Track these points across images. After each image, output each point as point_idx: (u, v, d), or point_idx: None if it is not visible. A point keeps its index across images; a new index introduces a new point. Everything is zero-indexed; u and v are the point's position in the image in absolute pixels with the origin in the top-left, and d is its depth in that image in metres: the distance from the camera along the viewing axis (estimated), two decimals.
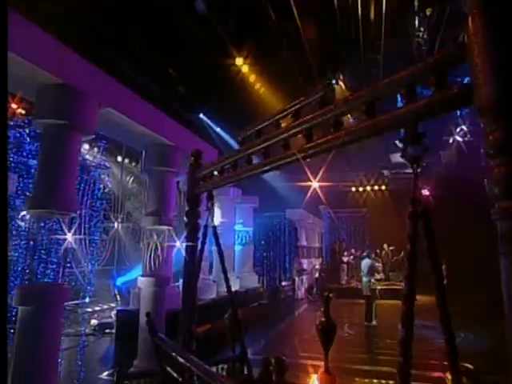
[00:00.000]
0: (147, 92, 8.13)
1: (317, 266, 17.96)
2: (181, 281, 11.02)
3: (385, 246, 18.06)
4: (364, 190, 20.78)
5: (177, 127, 7.53)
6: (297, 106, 2.59)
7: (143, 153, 7.24)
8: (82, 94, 4.92)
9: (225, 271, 3.94)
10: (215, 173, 3.49)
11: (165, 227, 7.01)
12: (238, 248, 14.86)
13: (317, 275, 17.50)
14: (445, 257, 15.77)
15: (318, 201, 19.50)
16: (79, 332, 8.57)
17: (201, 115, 12.43)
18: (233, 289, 12.15)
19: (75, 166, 4.91)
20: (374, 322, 10.76)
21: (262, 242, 17.74)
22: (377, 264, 17.64)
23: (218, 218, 13.18)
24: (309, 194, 19.07)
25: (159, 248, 6.84)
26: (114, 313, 9.90)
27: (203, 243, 3.74)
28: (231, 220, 13.69)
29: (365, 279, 11.09)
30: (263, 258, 17.66)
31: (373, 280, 10.99)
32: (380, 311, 11.40)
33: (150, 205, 7.00)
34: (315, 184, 19.21)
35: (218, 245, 3.85)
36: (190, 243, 3.71)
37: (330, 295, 7.03)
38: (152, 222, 6.80)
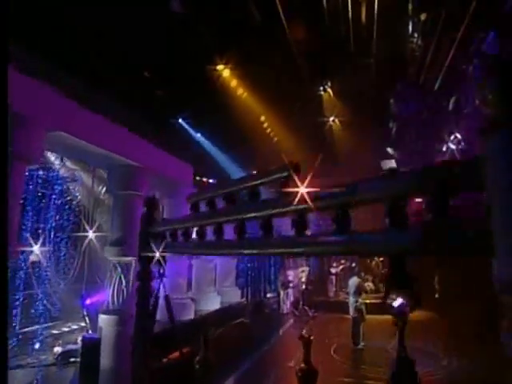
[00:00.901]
0: (116, 106, 7.63)
1: (303, 279, 17.60)
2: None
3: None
4: None
5: (146, 146, 7.03)
6: (257, 182, 2.16)
7: (107, 174, 6.75)
8: (25, 118, 4.40)
9: None
10: (168, 234, 3.03)
11: (130, 258, 6.53)
12: (219, 261, 14.44)
13: (303, 287, 17.15)
14: (437, 269, 15.78)
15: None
16: (38, 362, 8.04)
17: (180, 120, 11.92)
18: (213, 307, 11.80)
19: (18, 198, 4.41)
20: (361, 345, 10.46)
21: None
22: (366, 284, 17.54)
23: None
24: (296, 200, 18.81)
25: (123, 281, 6.36)
26: (80, 338, 9.37)
27: (154, 310, 3.29)
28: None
29: (352, 299, 10.78)
30: (247, 270, 17.29)
31: (360, 300, 10.66)
32: (369, 328, 11.15)
33: (113, 233, 6.50)
34: (302, 189, 19.05)
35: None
36: (140, 310, 3.25)
37: (311, 337, 6.67)
38: (115, 252, 6.32)
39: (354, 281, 10.99)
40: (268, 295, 16.87)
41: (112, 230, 6.59)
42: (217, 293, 13.20)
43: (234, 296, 14.35)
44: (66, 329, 11.06)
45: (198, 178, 15.89)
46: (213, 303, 12.47)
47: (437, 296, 15.65)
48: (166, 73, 10.07)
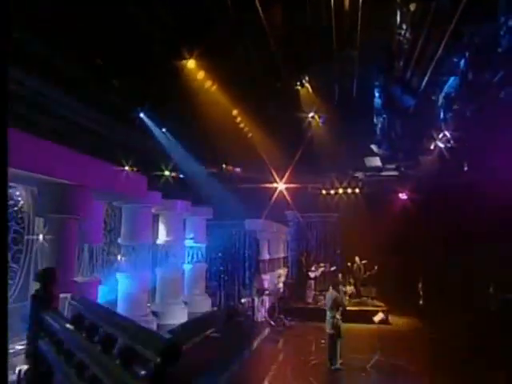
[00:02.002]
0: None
1: (280, 285, 17.24)
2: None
3: (356, 258, 17.60)
4: (336, 193, 20.20)
5: (84, 160, 6.26)
6: None
7: (37, 193, 5.99)
8: None
9: None
10: None
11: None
12: (187, 267, 13.87)
13: (280, 292, 16.81)
14: (421, 273, 15.71)
15: (284, 205, 18.79)
16: None
17: (141, 115, 11.09)
18: (179, 320, 11.22)
19: None
20: (338, 365, 10.11)
21: (219, 255, 16.83)
22: (348, 287, 17.30)
23: (162, 236, 12.10)
24: (274, 197, 18.30)
25: None
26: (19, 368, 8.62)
27: None
28: (179, 236, 12.60)
29: (328, 314, 10.37)
30: (220, 273, 16.81)
31: (337, 316, 10.25)
32: (348, 340, 10.82)
33: (45, 265, 5.80)
34: (281, 186, 18.50)
35: None
36: None
37: None
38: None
39: (331, 294, 10.58)
40: (243, 300, 16.40)
41: (43, 261, 5.88)
42: (184, 303, 12.62)
43: (205, 305, 13.83)
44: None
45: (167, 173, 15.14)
46: (179, 316, 11.90)
47: (421, 302, 15.54)
48: (124, 64, 9.23)
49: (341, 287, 17.28)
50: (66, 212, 5.81)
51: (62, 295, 5.96)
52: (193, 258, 14.06)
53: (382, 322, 11.45)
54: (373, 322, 11.14)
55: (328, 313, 10.48)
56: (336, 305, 10.38)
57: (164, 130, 11.93)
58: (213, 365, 10.00)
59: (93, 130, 8.91)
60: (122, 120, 10.46)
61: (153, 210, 11.61)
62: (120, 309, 10.01)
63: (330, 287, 11.01)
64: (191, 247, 13.99)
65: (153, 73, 9.35)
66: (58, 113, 7.36)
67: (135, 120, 10.73)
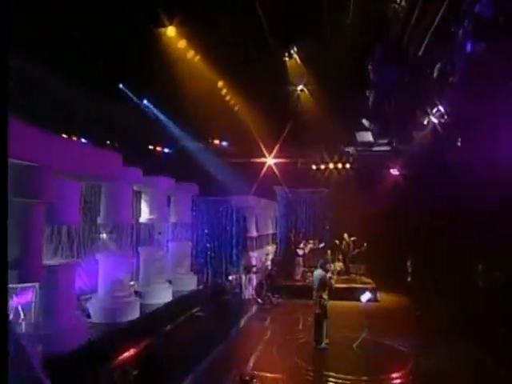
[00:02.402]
0: None
1: (267, 262, 17.25)
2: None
3: (345, 235, 17.64)
4: (326, 168, 19.96)
5: (46, 139, 5.82)
6: None
7: None
8: None
9: None
10: None
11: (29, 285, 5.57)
12: (172, 246, 13.72)
13: (268, 268, 16.84)
14: (410, 251, 15.80)
15: (273, 180, 18.63)
16: None
17: (120, 86, 10.58)
18: (164, 300, 11.14)
19: None
20: (324, 344, 10.18)
21: (206, 232, 16.71)
22: (337, 264, 17.42)
23: (145, 215, 11.84)
24: (263, 172, 18.08)
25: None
26: None
27: None
28: (163, 214, 12.34)
29: (315, 294, 10.37)
30: (206, 250, 16.76)
31: (324, 296, 10.24)
32: (334, 317, 10.93)
33: (11, 253, 5.50)
34: (270, 160, 18.23)
35: None
36: None
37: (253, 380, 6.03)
38: (11, 277, 5.34)
39: (318, 274, 10.53)
40: (230, 278, 16.40)
41: (10, 248, 5.57)
42: (169, 282, 12.53)
43: (190, 283, 13.76)
44: None
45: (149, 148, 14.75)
46: (164, 295, 11.83)
47: (409, 279, 15.69)
48: (97, 30, 8.67)
49: (329, 265, 17.58)
50: (27, 196, 5.45)
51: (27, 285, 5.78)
52: (178, 235, 13.86)
53: (369, 301, 11.51)
54: (361, 300, 11.18)
55: (314, 292, 10.48)
56: (323, 285, 10.36)
57: (146, 102, 11.46)
58: (198, 344, 10.00)
59: (65, 103, 8.46)
60: (99, 91, 9.97)
61: (134, 188, 11.36)
62: (101, 290, 9.86)
63: (318, 266, 10.94)
64: (176, 225, 13.77)
65: (128, 40, 8.82)
66: (19, 84, 6.85)
67: (113, 91, 10.23)
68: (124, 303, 9.85)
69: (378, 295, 15.22)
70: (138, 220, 11.80)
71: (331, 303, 10.65)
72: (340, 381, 8.34)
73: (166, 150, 14.73)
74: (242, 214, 16.62)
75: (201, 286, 14.67)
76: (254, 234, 16.77)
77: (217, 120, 13.68)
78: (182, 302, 12.40)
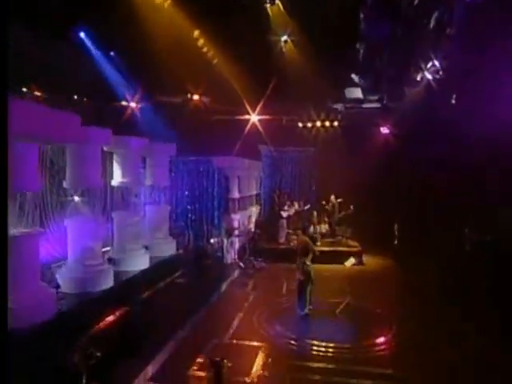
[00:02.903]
0: None
1: (251, 225, 17.06)
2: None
3: (332, 197, 17.50)
4: (313, 126, 19.49)
5: None
6: None
7: None
8: None
9: None
10: None
11: None
12: (149, 209, 13.32)
13: (251, 231, 16.66)
14: (398, 213, 15.72)
15: (257, 139, 18.15)
16: None
17: (82, 35, 9.68)
18: (140, 267, 10.84)
19: None
20: (306, 309, 10.15)
21: (186, 194, 16.32)
22: (323, 226, 17.39)
23: (117, 177, 11.33)
24: (246, 130, 17.55)
25: None
26: None
27: None
28: (137, 176, 11.84)
29: (298, 260, 10.20)
30: (187, 213, 16.43)
31: (307, 262, 10.06)
32: (318, 284, 10.73)
33: None
34: (254, 117, 17.63)
35: None
36: None
37: (225, 362, 5.78)
38: None
39: (301, 239, 10.30)
40: (212, 241, 16.25)
41: None
42: (146, 248, 12.23)
43: (169, 248, 13.48)
44: None
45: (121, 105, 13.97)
46: (140, 262, 11.56)
47: (396, 243, 15.72)
48: None
49: (314, 228, 17.59)
50: None
51: None
52: (155, 199, 13.44)
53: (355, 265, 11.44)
54: (345, 265, 11.09)
55: (298, 258, 10.31)
56: (305, 250, 10.15)
57: (113, 53, 10.61)
58: (176, 312, 9.93)
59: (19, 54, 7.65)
60: (60, 42, 9.11)
61: (105, 149, 10.79)
62: (71, 259, 9.50)
63: (300, 231, 10.71)
64: (153, 188, 13.31)
65: None
66: None
67: (75, 42, 9.38)
68: (96, 272, 9.54)
69: (363, 259, 15.28)
70: (110, 183, 11.31)
71: (315, 267, 10.57)
72: (322, 349, 8.33)
73: (141, 107, 13.93)
74: (224, 174, 16.21)
75: (181, 251, 14.44)
76: (236, 195, 16.45)
77: (195, 74, 12.92)
78: (159, 268, 12.20)
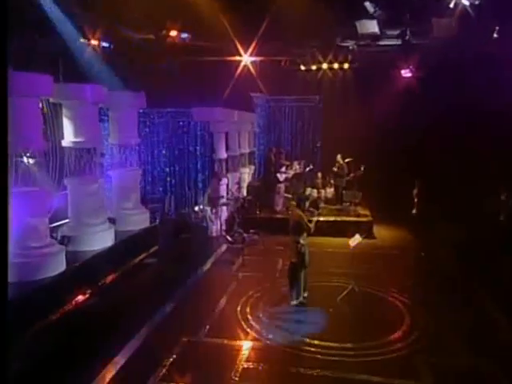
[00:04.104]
0: None
1: (242, 190, 16.39)
2: None
3: (338, 157, 16.85)
4: (318, 70, 18.35)
5: None
6: None
7: None
8: None
9: None
10: None
11: None
12: (114, 174, 12.58)
13: (241, 197, 15.93)
14: (418, 176, 15.02)
15: (251, 86, 17.45)
16: None
17: None
18: (102, 245, 10.13)
19: None
20: (301, 298, 9.41)
21: (163, 153, 15.51)
22: (328, 190, 16.79)
23: (69, 137, 10.41)
24: (236, 74, 16.51)
25: None
26: None
27: None
28: (95, 134, 10.87)
29: (290, 238, 9.41)
30: (166, 176, 15.78)
31: (301, 241, 9.17)
32: (318, 263, 10.27)
33: None
34: (246, 59, 16.47)
35: None
36: None
37: None
38: None
39: (293, 212, 9.42)
40: (196, 208, 15.62)
41: None
42: (111, 221, 11.47)
43: (140, 220, 12.73)
44: None
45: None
46: (102, 239, 10.79)
47: (414, 211, 15.16)
48: None
49: (317, 192, 16.98)
50: None
51: None
52: (121, 161, 12.51)
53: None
54: (352, 236, 10.22)
55: (290, 236, 9.47)
56: (299, 227, 9.23)
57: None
58: (144, 301, 9.31)
59: None
60: None
61: (50, 100, 9.82)
62: (13, 240, 8.63)
63: (294, 201, 9.81)
64: (118, 147, 12.38)
65: None
66: None
67: None
68: (41, 255, 8.73)
69: (374, 230, 14.73)
70: (59, 144, 10.47)
71: (316, 241, 9.86)
72: (317, 349, 7.55)
73: (101, 46, 12.64)
74: (208, 129, 15.42)
75: (157, 223, 13.75)
76: (223, 155, 15.67)
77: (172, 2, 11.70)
78: (127, 246, 11.55)
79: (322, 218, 13.73)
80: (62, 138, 10.59)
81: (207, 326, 8.42)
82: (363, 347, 7.54)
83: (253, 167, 19.30)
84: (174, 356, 7.22)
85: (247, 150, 18.92)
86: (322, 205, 16.01)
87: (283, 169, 16.54)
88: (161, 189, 15.73)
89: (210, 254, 13.11)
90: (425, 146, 16.75)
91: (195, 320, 8.73)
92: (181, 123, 15.56)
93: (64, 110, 10.37)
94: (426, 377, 6.71)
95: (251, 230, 14.39)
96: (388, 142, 16.92)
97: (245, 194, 16.90)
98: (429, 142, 16.66)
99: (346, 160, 16.68)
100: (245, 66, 16.41)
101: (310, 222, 9.36)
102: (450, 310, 9.04)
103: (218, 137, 15.53)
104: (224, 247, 13.84)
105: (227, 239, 14.12)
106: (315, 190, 17.41)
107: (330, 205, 16.66)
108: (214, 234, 14.59)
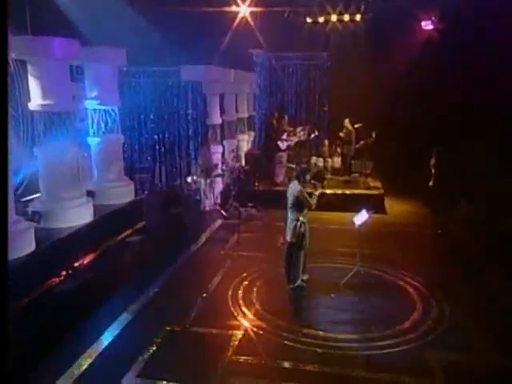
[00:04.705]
0: None
1: (239, 159, 16.08)
2: None
3: (346, 121, 16.46)
4: (326, 22, 18.01)
5: None
6: None
7: None
8: None
9: None
10: None
11: None
12: (93, 142, 12.04)
13: (237, 167, 15.66)
14: (437, 144, 14.64)
15: (249, 41, 17.04)
16: None
17: None
18: (79, 221, 9.85)
19: None
20: (299, 282, 9.04)
21: (151, 117, 15.12)
22: (335, 159, 16.43)
23: (37, 99, 9.91)
24: (233, 28, 16.14)
25: None
26: None
27: None
28: (67, 96, 10.34)
29: (289, 216, 8.96)
30: (154, 144, 15.46)
31: (301, 218, 8.74)
32: (320, 240, 10.00)
33: None
34: (244, 10, 16.09)
35: None
36: None
37: None
38: None
39: (293, 188, 8.92)
40: (188, 179, 15.36)
41: None
42: (90, 194, 11.07)
43: (124, 193, 12.30)
44: None
45: None
46: (79, 215, 10.36)
47: (431, 184, 14.84)
48: None
49: (323, 161, 16.59)
50: None
51: None
52: (100, 127, 12.00)
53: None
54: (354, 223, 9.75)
55: (289, 214, 8.99)
56: (299, 203, 8.75)
57: None
58: (124, 285, 9.20)
59: None
60: None
61: (12, 56, 9.21)
62: None
63: (296, 178, 9.28)
64: (95, 111, 11.85)
65: None
66: None
67: None
68: (16, 233, 8.32)
69: (386, 204, 14.33)
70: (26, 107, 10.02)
71: (319, 216, 9.65)
72: (316, 341, 7.14)
73: None
74: (200, 91, 14.94)
75: (144, 195, 13.44)
76: (217, 120, 15.37)
77: None
78: (108, 223, 11.13)
79: (328, 191, 13.44)
80: (28, 100, 10.09)
81: (193, 313, 8.10)
82: (368, 338, 7.19)
83: (252, 134, 19.05)
84: (154, 347, 6.95)
85: (246, 115, 18.60)
86: (328, 176, 15.63)
87: (285, 135, 16.13)
88: (149, 158, 15.43)
89: (203, 230, 12.88)
90: (445, 110, 16.29)
91: (180, 306, 8.41)
92: (170, 84, 15.12)
93: (29, 68, 9.79)
94: (438, 374, 6.28)
95: (249, 204, 14.16)
96: (403, 105, 16.74)
97: (243, 163, 16.66)
98: (450, 106, 16.19)
99: (356, 125, 16.28)
100: (243, 17, 16.10)
101: (311, 195, 8.89)
102: (469, 297, 8.59)
103: (212, 99, 15.13)
104: (218, 223, 13.61)
105: (222, 214, 13.91)
106: (321, 160, 17.18)
107: (337, 176, 16.36)
108: (208, 209, 14.38)
